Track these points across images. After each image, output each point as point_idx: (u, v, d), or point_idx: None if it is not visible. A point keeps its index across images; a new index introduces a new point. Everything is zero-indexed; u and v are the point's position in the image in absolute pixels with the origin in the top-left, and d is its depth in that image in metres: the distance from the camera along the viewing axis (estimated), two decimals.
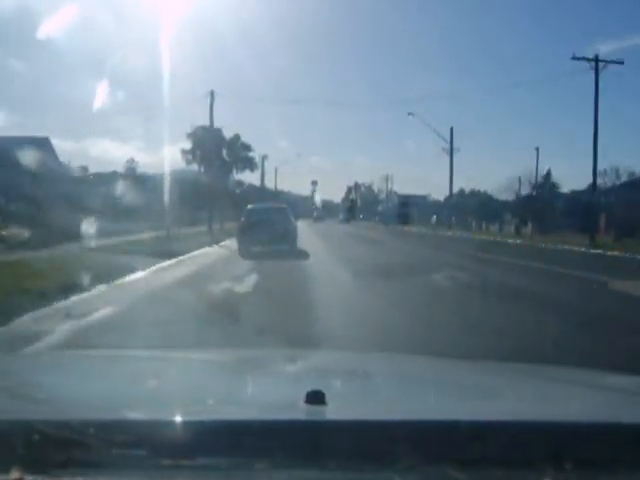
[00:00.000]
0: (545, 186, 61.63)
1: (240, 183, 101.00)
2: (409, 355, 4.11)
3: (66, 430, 1.17)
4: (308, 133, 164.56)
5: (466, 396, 1.85)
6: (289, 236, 19.93)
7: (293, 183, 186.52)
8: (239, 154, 70.56)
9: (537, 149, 54.98)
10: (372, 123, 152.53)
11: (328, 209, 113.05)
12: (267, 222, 19.66)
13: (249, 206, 22.69)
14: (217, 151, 69.73)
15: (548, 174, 64.02)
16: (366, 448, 1.18)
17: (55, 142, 43.48)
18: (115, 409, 1.38)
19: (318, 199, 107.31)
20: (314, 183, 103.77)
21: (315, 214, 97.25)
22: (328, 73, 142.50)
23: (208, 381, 1.98)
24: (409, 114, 49.69)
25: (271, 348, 4.83)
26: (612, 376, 2.44)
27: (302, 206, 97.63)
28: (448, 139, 52.14)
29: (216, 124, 67.30)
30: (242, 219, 20.90)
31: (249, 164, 71.90)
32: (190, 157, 71.67)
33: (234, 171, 71.89)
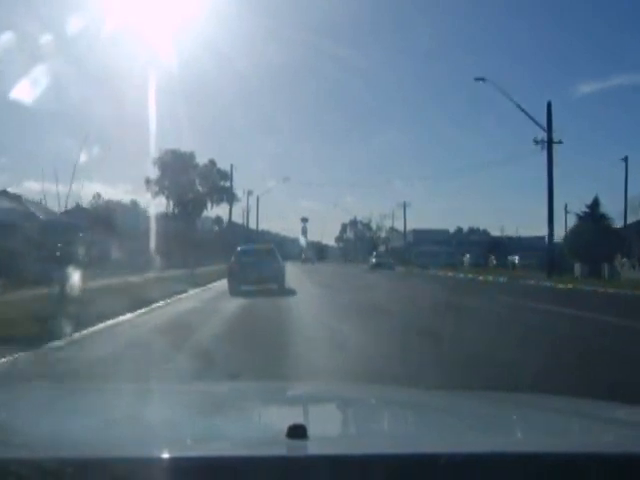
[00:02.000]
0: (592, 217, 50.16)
1: (219, 220, 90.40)
2: (390, 386, 4.39)
3: (41, 470, 1.15)
4: (297, 174, 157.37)
5: (448, 428, 1.82)
6: (277, 276, 21.06)
7: (282, 225, 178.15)
8: (215, 184, 59.07)
9: (625, 159, 38.24)
10: (360, 162, 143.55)
11: (318, 251, 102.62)
12: (256, 263, 20.67)
13: (238, 248, 23.69)
14: (189, 180, 58.61)
15: (596, 202, 52.73)
16: None
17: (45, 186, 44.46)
18: (92, 447, 1.36)
19: (304, 240, 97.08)
20: (304, 220, 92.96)
21: (303, 255, 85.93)
22: (321, 110, 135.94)
23: (188, 416, 1.96)
24: (478, 79, 32.78)
25: (251, 381, 4.84)
26: (598, 405, 2.39)
27: (290, 247, 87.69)
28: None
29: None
30: (232, 259, 21.90)
31: (227, 195, 60.44)
32: (157, 188, 60.32)
33: (209, 204, 60.12)
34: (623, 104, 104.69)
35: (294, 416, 1.89)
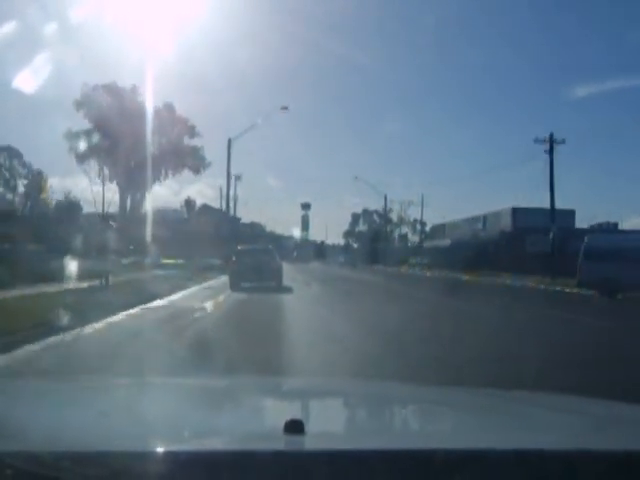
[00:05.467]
0: None
1: (190, 203, 70.22)
2: (386, 382, 4.38)
3: (39, 464, 1.16)
4: (295, 171, 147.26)
5: (445, 424, 1.86)
6: (275, 274, 22.38)
7: (278, 219, 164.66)
8: (175, 141, 38.38)
9: None
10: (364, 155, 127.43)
11: (315, 250, 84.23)
12: (256, 262, 22.05)
13: (239, 247, 26.43)
14: (132, 134, 38.19)
15: None
16: (347, 478, 1.21)
17: None
18: (90, 441, 1.36)
19: (298, 237, 79.12)
20: (305, 206, 73.20)
21: (295, 252, 74.40)
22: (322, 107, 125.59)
23: (185, 411, 1.97)
24: None
25: (249, 376, 4.79)
26: (595, 402, 2.36)
27: (285, 246, 69.32)
28: None
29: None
30: (233, 258, 23.63)
31: (194, 160, 39.94)
32: (85, 147, 39.71)
33: (163, 172, 39.39)
34: None
35: (291, 411, 1.94)
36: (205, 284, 23.94)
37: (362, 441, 1.46)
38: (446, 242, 53.38)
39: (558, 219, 30.10)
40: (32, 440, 1.37)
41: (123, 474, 1.17)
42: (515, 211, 44.18)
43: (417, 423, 1.92)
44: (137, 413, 1.90)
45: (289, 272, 32.81)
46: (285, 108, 34.13)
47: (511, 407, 2.09)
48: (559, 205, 33.08)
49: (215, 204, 53.25)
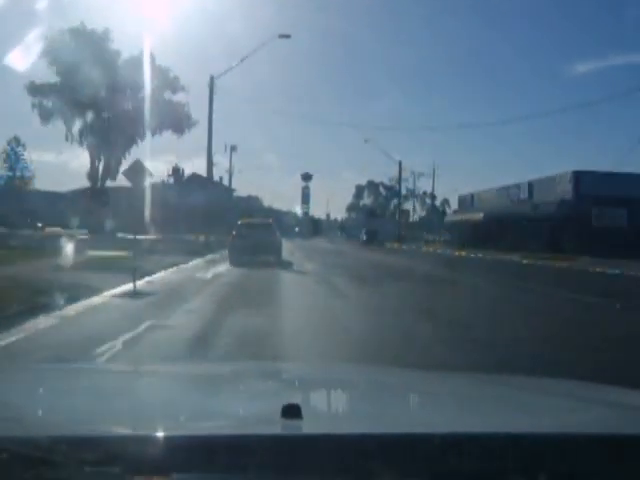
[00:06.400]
0: None
1: (177, 172, 65.09)
2: (383, 367, 4.36)
3: (35, 448, 1.17)
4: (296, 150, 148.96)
5: (441, 409, 1.87)
6: (275, 249, 22.73)
7: (277, 195, 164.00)
8: (155, 95, 32.65)
9: None
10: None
11: (311, 225, 79.56)
12: (256, 236, 22.30)
13: (239, 221, 25.51)
14: (105, 86, 32.53)
15: None
16: (343, 462, 1.21)
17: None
18: (86, 425, 1.38)
19: (299, 212, 74.94)
20: (306, 177, 67.54)
21: (297, 228, 71.83)
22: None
23: (182, 395, 1.98)
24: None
25: (246, 361, 4.81)
26: (587, 387, 2.40)
27: (284, 221, 64.61)
28: None
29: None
30: (233, 233, 23.51)
31: (178, 119, 34.46)
32: (49, 104, 34.10)
33: (141, 131, 33.80)
34: None
35: (288, 396, 1.93)
36: (140, 283, 12.37)
37: (359, 425, 1.48)
38: (478, 215, 44.49)
39: (627, 186, 24.27)
40: (28, 424, 1.36)
41: (120, 458, 1.16)
42: (579, 175, 34.11)
43: (414, 408, 1.94)
44: (134, 398, 1.89)
45: (294, 254, 27.14)
46: (286, 36, 28.47)
47: (507, 392, 2.09)
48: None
49: (198, 169, 48.15)
